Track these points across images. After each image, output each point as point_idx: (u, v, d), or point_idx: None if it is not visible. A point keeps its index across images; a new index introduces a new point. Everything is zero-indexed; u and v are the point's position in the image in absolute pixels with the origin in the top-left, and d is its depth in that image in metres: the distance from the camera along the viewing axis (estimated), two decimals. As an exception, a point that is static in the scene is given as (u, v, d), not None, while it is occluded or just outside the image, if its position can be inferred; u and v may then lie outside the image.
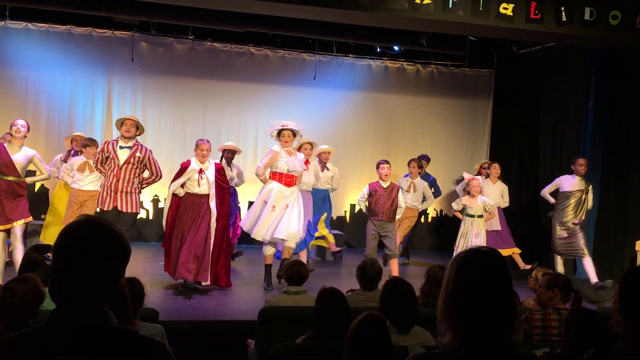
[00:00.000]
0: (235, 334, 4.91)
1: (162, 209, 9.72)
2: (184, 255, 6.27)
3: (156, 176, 6.53)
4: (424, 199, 8.67)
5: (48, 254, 3.70)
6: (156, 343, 1.51)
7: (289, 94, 10.13)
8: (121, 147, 6.31)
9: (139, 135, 6.49)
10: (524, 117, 10.08)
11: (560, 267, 7.58)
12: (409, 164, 8.61)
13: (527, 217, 9.62)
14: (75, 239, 1.49)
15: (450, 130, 10.90)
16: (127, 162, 6.28)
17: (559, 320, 3.58)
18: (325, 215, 8.34)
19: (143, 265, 7.54)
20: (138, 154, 6.32)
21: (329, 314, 3.31)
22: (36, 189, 9.07)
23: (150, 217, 9.77)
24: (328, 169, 8.40)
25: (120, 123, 6.41)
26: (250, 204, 9.71)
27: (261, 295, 6.23)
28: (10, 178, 6.27)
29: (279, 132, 6.78)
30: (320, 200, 8.18)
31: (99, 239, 1.49)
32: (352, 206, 10.54)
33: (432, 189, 9.08)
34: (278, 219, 6.61)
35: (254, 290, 6.67)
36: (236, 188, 8.38)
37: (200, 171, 6.48)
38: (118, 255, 1.52)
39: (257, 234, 6.69)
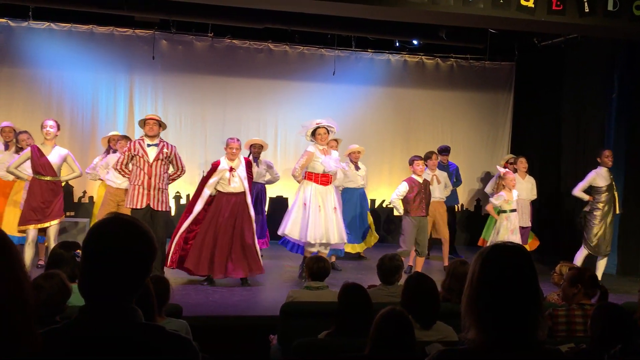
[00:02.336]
0: (257, 329, 4.94)
1: (184, 205, 9.85)
2: (223, 254, 6.38)
3: (181, 171, 6.67)
4: None
5: (77, 250, 3.76)
6: (183, 339, 1.53)
7: (308, 90, 10.13)
8: (149, 145, 6.41)
9: (162, 130, 6.58)
10: (545, 110, 9.95)
11: (579, 264, 7.28)
12: (430, 156, 8.11)
13: (549, 210, 9.51)
14: (104, 237, 1.52)
15: (470, 124, 10.79)
16: (156, 158, 6.39)
17: (583, 316, 3.54)
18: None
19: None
20: (165, 150, 6.45)
21: (352, 310, 3.32)
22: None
23: (173, 214, 9.85)
24: (359, 168, 8.42)
25: (143, 122, 6.51)
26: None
27: (283, 291, 6.23)
28: (48, 178, 6.42)
29: (313, 132, 6.76)
30: (357, 199, 8.19)
31: (127, 237, 1.52)
32: (372, 201, 10.50)
33: (455, 178, 8.96)
34: (329, 221, 6.65)
35: (276, 286, 6.70)
36: (266, 186, 8.36)
37: (231, 169, 6.54)
38: (145, 252, 1.54)
39: (310, 237, 6.65)
